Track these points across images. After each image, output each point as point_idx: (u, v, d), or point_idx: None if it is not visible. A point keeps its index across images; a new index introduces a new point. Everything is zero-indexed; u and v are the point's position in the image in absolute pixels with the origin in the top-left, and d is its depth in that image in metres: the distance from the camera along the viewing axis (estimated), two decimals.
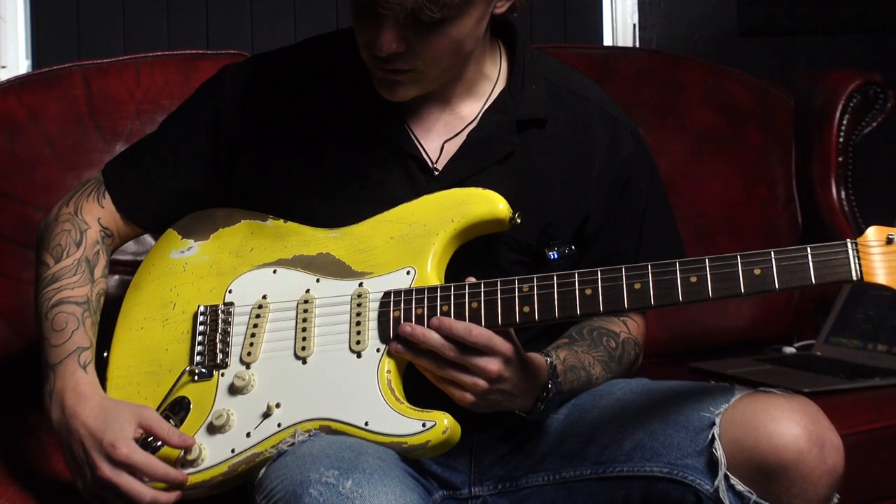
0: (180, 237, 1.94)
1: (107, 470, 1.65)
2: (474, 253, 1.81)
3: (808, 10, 3.72)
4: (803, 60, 3.72)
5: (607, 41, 3.59)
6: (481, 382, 1.66)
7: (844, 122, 3.09)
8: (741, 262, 1.61)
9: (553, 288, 1.68)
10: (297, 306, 1.80)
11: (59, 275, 1.84)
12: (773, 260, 1.60)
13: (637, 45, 3.56)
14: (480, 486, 1.88)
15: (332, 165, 1.87)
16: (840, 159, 3.09)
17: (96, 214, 1.92)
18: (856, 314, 2.79)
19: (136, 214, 1.95)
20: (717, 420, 1.67)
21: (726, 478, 1.64)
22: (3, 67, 3.11)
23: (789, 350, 2.89)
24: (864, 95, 3.09)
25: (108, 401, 1.74)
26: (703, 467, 1.67)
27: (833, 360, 2.70)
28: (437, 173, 1.85)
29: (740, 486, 1.64)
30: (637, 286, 1.65)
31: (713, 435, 1.66)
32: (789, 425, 1.62)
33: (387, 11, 1.62)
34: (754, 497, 1.63)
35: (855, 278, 1.58)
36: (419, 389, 1.71)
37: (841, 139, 3.09)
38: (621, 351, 1.94)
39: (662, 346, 2.77)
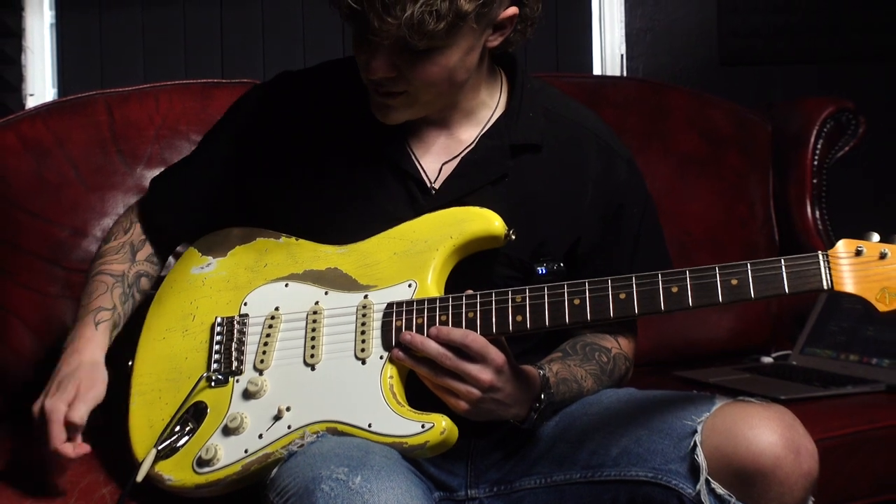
0: (200, 254, 1.98)
1: (45, 404, 1.77)
2: (471, 269, 1.82)
3: (786, 42, 3.73)
4: (781, 88, 3.72)
5: (597, 70, 3.58)
6: (475, 391, 1.67)
7: (819, 146, 3.09)
8: (719, 274, 1.63)
9: (544, 298, 1.70)
10: (307, 317, 1.81)
11: (103, 252, 2.01)
12: (749, 271, 1.62)
13: (625, 74, 3.56)
14: (477, 488, 1.88)
15: (338, 184, 1.89)
16: (815, 181, 3.10)
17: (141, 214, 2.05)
18: (829, 326, 2.79)
19: (165, 224, 2.03)
20: (699, 428, 1.68)
21: (707, 482, 1.64)
22: (31, 95, 3.11)
23: (767, 360, 2.89)
24: (837, 121, 3.10)
25: (84, 368, 1.84)
26: (686, 472, 1.67)
27: (808, 370, 2.70)
28: (434, 192, 1.87)
29: (720, 490, 1.64)
30: (622, 296, 1.66)
31: (695, 442, 1.66)
32: (766, 433, 1.62)
33: (376, 38, 1.66)
34: (733, 500, 1.63)
35: (826, 287, 1.59)
36: (424, 396, 1.73)
37: (815, 162, 3.09)
38: (612, 365, 1.94)
39: (648, 355, 2.76)
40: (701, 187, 3.03)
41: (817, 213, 3.09)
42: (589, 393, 1.89)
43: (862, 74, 3.79)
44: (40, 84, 3.13)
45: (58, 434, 1.74)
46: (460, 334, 1.68)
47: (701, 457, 1.65)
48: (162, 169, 2.15)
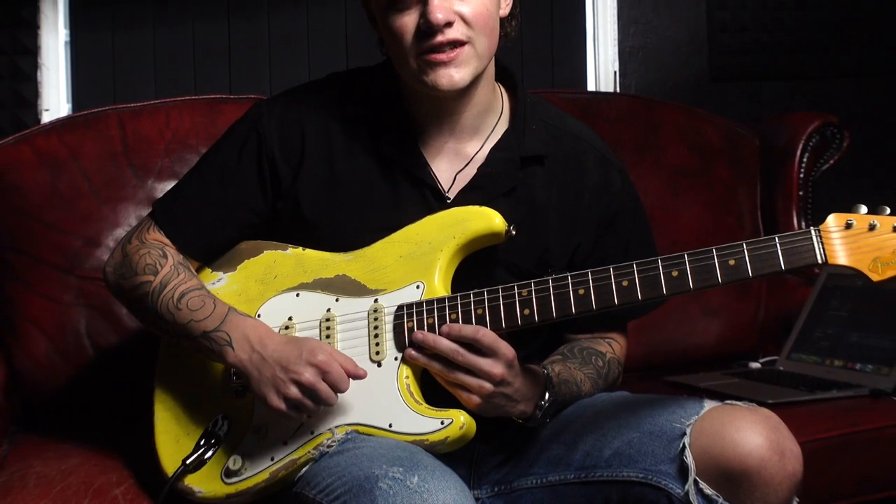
0: (210, 270, 1.95)
1: (310, 375, 1.68)
2: (477, 278, 1.84)
3: (773, 59, 3.75)
4: (768, 103, 3.74)
5: (591, 87, 3.60)
6: (486, 385, 1.70)
7: (805, 159, 3.10)
8: (717, 255, 1.65)
9: (549, 290, 1.72)
10: (320, 324, 1.83)
11: (165, 280, 1.84)
12: (746, 251, 1.64)
13: (618, 90, 3.57)
14: (479, 489, 1.90)
15: (357, 192, 1.89)
16: (801, 193, 3.11)
17: (163, 240, 1.91)
18: (815, 333, 2.80)
19: (190, 249, 1.93)
20: (688, 430, 1.69)
21: (696, 483, 1.66)
22: (46, 111, 3.12)
23: (755, 365, 2.90)
24: (822, 135, 3.11)
25: (289, 336, 1.78)
26: (675, 473, 1.69)
27: (794, 375, 2.71)
28: (449, 201, 1.88)
29: (708, 490, 1.65)
30: (625, 283, 1.68)
31: (684, 444, 1.68)
32: (752, 435, 1.64)
33: None
34: (721, 500, 1.65)
35: (820, 261, 1.61)
36: (438, 395, 1.75)
37: (802, 175, 3.10)
38: (607, 369, 1.97)
39: (641, 361, 2.78)
40: (691, 199, 3.04)
41: (803, 223, 3.09)
42: (586, 396, 1.91)
43: (846, 90, 3.81)
44: (55, 100, 3.14)
45: (343, 375, 1.71)
46: (471, 330, 1.70)
47: (689, 458, 1.66)
48: (172, 182, 2.12)
